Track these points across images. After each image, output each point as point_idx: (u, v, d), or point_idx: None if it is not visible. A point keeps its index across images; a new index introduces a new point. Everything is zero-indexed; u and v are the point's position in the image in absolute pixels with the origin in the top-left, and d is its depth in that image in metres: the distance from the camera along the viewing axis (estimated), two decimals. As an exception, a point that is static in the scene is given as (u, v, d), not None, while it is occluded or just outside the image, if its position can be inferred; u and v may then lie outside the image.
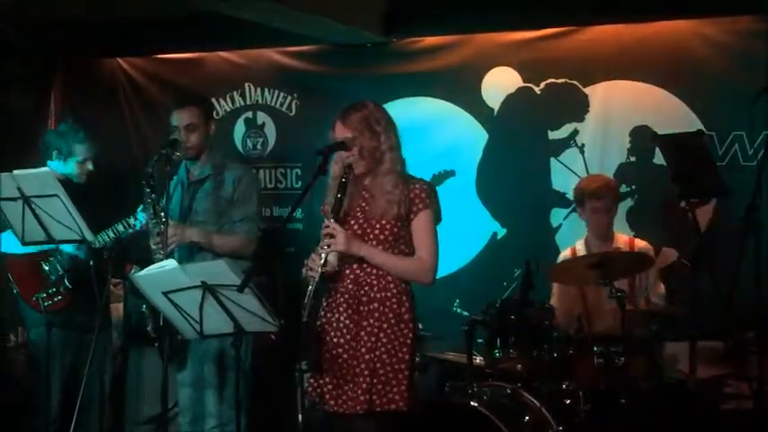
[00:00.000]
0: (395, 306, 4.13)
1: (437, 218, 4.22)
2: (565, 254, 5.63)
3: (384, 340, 4.10)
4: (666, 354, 5.28)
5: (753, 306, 4.41)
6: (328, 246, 4.09)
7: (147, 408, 6.05)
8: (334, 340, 4.18)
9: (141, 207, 5.14)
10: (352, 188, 4.19)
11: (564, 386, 4.98)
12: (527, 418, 4.80)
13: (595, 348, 5.02)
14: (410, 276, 4.19)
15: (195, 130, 5.08)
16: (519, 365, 5.06)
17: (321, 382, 4.19)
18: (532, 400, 4.84)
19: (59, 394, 5.50)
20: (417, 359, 4.46)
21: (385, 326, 4.11)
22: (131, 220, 5.24)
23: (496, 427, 4.66)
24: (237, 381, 4.40)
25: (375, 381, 4.08)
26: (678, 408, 4.92)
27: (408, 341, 4.13)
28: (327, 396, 4.16)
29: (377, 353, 4.09)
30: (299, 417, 4.70)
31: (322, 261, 4.08)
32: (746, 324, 4.96)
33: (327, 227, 4.11)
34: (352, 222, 4.20)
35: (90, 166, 5.50)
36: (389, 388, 4.08)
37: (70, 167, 5.46)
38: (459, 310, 5.29)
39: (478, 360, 5.15)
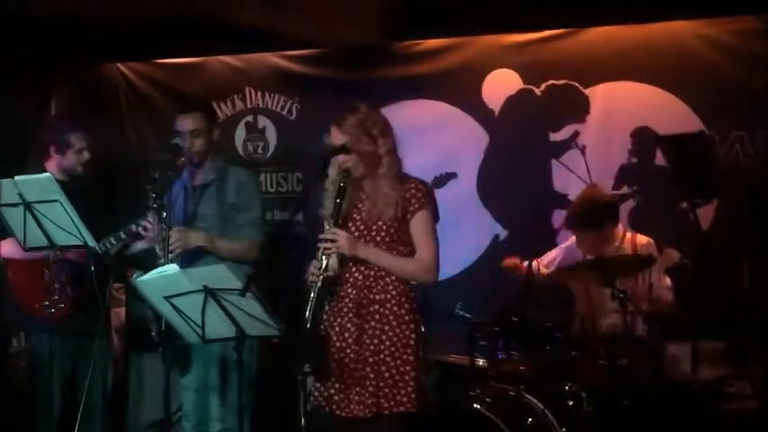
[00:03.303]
0: (395, 308, 4.12)
1: (435, 217, 4.20)
2: (567, 245, 5.63)
3: (387, 343, 4.09)
4: (669, 354, 5.28)
5: (754, 306, 4.41)
6: (329, 249, 4.09)
7: (148, 413, 6.04)
8: (338, 344, 4.17)
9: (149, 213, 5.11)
10: (349, 191, 4.19)
11: (567, 388, 4.98)
12: (530, 420, 4.80)
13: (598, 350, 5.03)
14: (412, 276, 4.18)
15: (200, 136, 5.05)
16: (521, 367, 5.07)
17: (327, 386, 4.17)
18: (535, 402, 4.83)
19: (60, 400, 5.49)
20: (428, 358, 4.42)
21: (386, 328, 4.10)
22: (133, 227, 5.20)
23: (499, 430, 4.65)
24: (240, 385, 4.40)
25: (382, 384, 4.07)
26: (680, 408, 4.92)
27: (411, 342, 4.10)
28: (335, 400, 4.14)
29: (381, 356, 4.08)
30: (303, 421, 4.70)
31: (322, 266, 4.09)
32: (748, 324, 4.97)
33: (327, 231, 4.12)
34: (351, 226, 4.20)
35: (87, 155, 5.48)
36: (396, 390, 4.06)
37: (69, 159, 5.45)
38: (461, 313, 5.29)
39: (481, 362, 5.15)
